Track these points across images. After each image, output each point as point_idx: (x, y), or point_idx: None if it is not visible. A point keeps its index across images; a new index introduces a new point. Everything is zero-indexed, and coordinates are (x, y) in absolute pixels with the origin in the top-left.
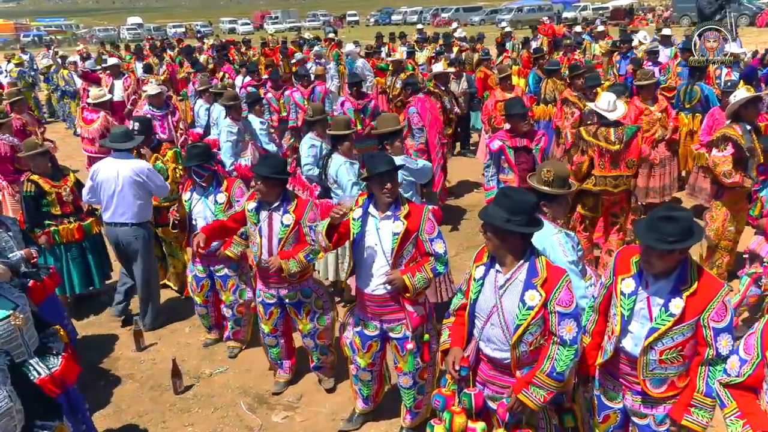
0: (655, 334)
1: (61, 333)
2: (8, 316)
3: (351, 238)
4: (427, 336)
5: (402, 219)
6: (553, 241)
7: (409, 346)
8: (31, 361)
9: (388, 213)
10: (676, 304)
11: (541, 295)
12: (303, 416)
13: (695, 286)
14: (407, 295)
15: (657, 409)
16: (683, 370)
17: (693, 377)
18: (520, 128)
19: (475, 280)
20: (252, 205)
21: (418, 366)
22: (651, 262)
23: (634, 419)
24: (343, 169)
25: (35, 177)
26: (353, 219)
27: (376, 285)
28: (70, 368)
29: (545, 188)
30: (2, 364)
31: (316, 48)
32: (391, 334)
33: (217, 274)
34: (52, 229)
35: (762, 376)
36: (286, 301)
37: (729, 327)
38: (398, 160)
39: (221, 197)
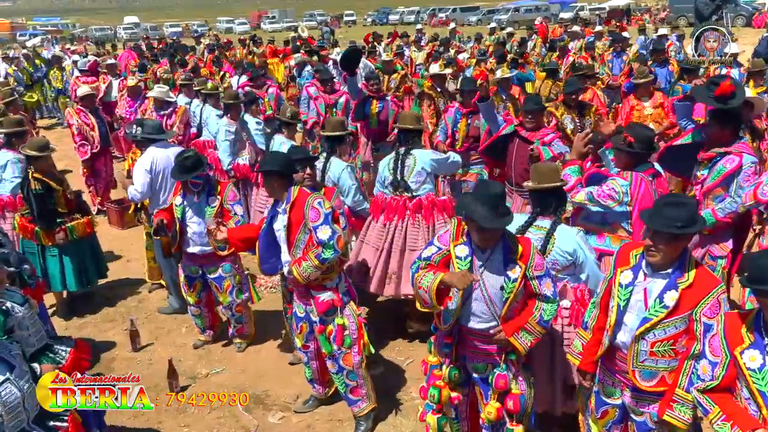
0: (647, 324)
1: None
2: (27, 300)
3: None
4: (340, 320)
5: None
6: (579, 240)
7: (317, 328)
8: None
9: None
10: (671, 296)
11: (520, 267)
12: (299, 416)
13: (692, 279)
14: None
15: (653, 407)
16: (675, 366)
17: (677, 373)
18: (525, 124)
19: (460, 258)
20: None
21: (338, 351)
22: (657, 248)
23: (633, 416)
24: (345, 174)
25: (38, 175)
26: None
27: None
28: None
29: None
30: (16, 350)
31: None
32: (312, 317)
33: (211, 276)
34: (68, 225)
35: (735, 375)
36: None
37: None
38: (428, 153)
39: (214, 201)
